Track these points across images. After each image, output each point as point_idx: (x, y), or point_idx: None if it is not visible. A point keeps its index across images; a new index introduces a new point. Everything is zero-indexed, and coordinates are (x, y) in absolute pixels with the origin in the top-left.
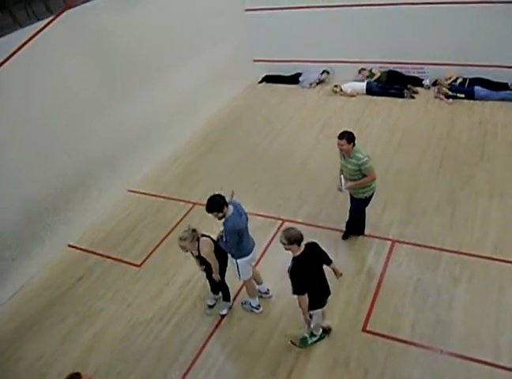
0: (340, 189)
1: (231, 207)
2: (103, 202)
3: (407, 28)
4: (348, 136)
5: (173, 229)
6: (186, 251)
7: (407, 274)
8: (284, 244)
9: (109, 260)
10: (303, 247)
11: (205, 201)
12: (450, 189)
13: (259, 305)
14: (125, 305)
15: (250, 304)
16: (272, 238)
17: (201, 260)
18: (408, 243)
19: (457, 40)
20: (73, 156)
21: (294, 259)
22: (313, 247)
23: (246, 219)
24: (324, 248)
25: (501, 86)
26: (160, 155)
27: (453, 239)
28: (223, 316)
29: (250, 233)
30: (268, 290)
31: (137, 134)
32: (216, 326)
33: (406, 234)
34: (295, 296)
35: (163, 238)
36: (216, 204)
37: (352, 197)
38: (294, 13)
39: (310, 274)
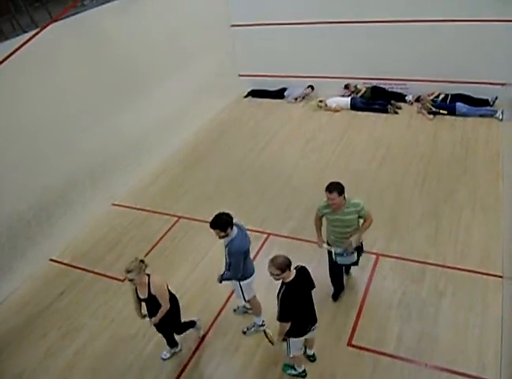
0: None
1: (235, 228)
2: (86, 216)
3: (390, 45)
4: (339, 189)
5: (157, 243)
6: (135, 286)
7: (392, 288)
8: (276, 275)
9: (92, 274)
10: (294, 272)
11: (190, 215)
12: (434, 204)
13: (263, 322)
14: (108, 321)
15: (255, 324)
16: (258, 253)
17: (149, 303)
18: (392, 257)
19: (439, 57)
20: (56, 169)
21: (286, 284)
22: (304, 271)
23: (249, 240)
24: (308, 261)
25: (482, 102)
26: (145, 168)
27: (437, 253)
28: (164, 359)
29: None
30: (263, 322)
31: (123, 147)
32: (200, 342)
33: (391, 248)
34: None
35: (148, 253)
36: (222, 222)
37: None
38: (279, 29)
39: (300, 300)
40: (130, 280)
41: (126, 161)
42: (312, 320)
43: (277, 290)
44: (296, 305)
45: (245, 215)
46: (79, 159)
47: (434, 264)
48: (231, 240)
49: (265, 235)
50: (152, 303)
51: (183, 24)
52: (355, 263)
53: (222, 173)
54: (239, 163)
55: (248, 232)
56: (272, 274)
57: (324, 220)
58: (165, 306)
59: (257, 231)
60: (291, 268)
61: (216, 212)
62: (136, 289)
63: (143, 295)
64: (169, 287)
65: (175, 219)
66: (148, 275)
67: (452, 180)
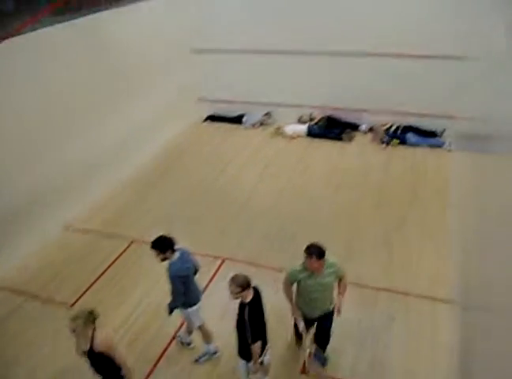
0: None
1: (177, 253)
2: (34, 238)
3: (346, 77)
4: (322, 252)
5: (109, 267)
6: (77, 338)
7: (346, 314)
8: (237, 293)
9: (39, 299)
10: (252, 290)
11: (145, 238)
12: (386, 230)
13: (217, 348)
14: (49, 349)
15: (208, 352)
16: (213, 277)
17: (93, 359)
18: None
19: (392, 90)
20: (3, 191)
21: (248, 304)
22: (258, 291)
23: (196, 269)
24: (264, 286)
25: (431, 134)
26: (99, 190)
27: (388, 278)
28: None
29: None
30: (216, 350)
31: (76, 168)
32: (151, 371)
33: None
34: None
35: (98, 277)
36: (160, 243)
37: (324, 315)
38: (239, 56)
39: (260, 319)
40: (72, 331)
41: (78, 182)
42: (266, 340)
43: (238, 313)
44: (261, 323)
45: (201, 239)
46: (28, 181)
47: (386, 290)
48: (170, 264)
49: (221, 260)
50: (93, 358)
51: (144, 47)
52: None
53: (179, 196)
54: (196, 187)
55: (199, 258)
56: (232, 292)
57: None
58: (120, 360)
59: (213, 256)
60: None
61: (171, 236)
62: (77, 341)
63: (83, 348)
64: (116, 346)
65: (128, 242)
66: (94, 329)
67: (403, 207)
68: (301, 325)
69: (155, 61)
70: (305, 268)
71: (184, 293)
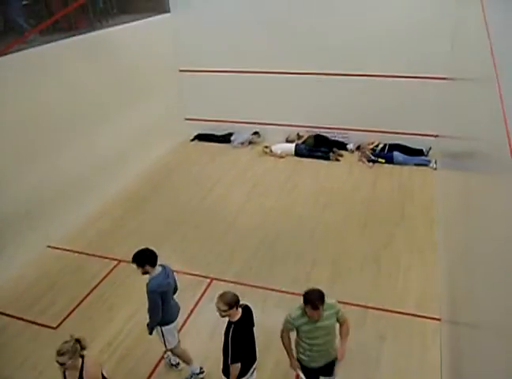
0: None
1: (159, 268)
2: (18, 258)
3: (333, 96)
4: (323, 299)
5: (95, 288)
6: (65, 370)
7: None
8: (223, 311)
9: (21, 322)
10: (240, 310)
11: (131, 259)
12: (374, 248)
13: (202, 369)
14: (36, 373)
15: (193, 372)
16: (201, 298)
17: None
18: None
19: (378, 109)
20: None
21: (234, 324)
22: (248, 310)
23: (176, 286)
24: (252, 306)
25: (417, 152)
26: (84, 209)
27: (377, 297)
28: None
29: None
30: (201, 369)
31: (61, 186)
32: None
33: (333, 293)
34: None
35: (84, 298)
36: (140, 256)
37: (328, 364)
38: (227, 76)
39: (247, 339)
40: (61, 364)
41: (64, 201)
42: (254, 358)
43: (224, 331)
44: (245, 344)
45: (189, 259)
46: (13, 197)
47: (375, 308)
48: (150, 278)
49: (209, 280)
50: None
51: (131, 66)
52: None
53: (166, 216)
54: (183, 207)
55: (187, 278)
56: (219, 309)
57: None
58: None
59: (201, 276)
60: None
61: (158, 256)
62: (64, 372)
63: (75, 377)
64: (103, 372)
65: (115, 262)
66: (83, 357)
67: (391, 225)
68: (296, 368)
69: (143, 80)
70: (303, 312)
71: (161, 309)
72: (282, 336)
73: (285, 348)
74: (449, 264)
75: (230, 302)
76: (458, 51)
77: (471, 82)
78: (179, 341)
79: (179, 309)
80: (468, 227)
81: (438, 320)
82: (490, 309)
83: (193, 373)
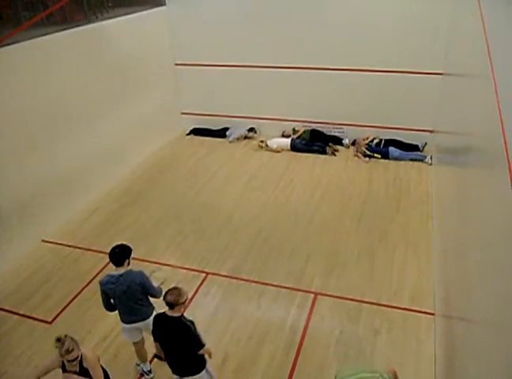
0: None
1: (119, 271)
2: (13, 253)
3: (329, 91)
4: None
5: (90, 282)
6: (65, 363)
7: (330, 326)
8: (182, 303)
9: (16, 316)
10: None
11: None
12: (369, 243)
13: (150, 371)
14: (31, 368)
15: (142, 368)
16: (196, 292)
17: (83, 373)
18: (330, 296)
19: (374, 104)
20: None
21: (183, 317)
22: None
23: (131, 295)
24: (247, 301)
25: (412, 147)
26: (80, 203)
27: (372, 291)
28: None
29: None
30: (150, 370)
31: (56, 180)
32: None
33: (328, 287)
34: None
35: (79, 293)
36: (113, 253)
37: None
38: (223, 71)
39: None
40: (73, 359)
41: (59, 195)
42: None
43: (177, 329)
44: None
45: (184, 253)
46: (7, 191)
47: (370, 303)
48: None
49: (204, 274)
50: (85, 376)
51: (128, 60)
52: None
53: (161, 210)
54: (178, 201)
55: (182, 272)
56: (179, 302)
57: None
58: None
59: (196, 270)
60: None
61: (154, 251)
62: (63, 365)
63: (73, 368)
64: (100, 361)
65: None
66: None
67: (386, 219)
68: None
69: (139, 74)
70: None
71: (109, 305)
72: None
73: None
74: (443, 259)
75: (184, 294)
76: (454, 47)
77: (466, 78)
78: (135, 343)
79: (136, 321)
80: (463, 222)
81: (432, 314)
82: (483, 303)
83: (143, 370)
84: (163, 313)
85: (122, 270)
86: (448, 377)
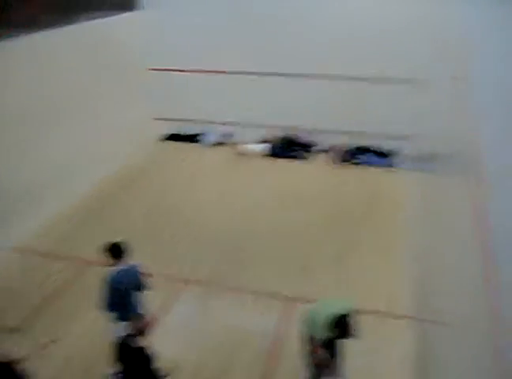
0: None
1: (124, 265)
2: None
3: (304, 98)
4: None
5: (60, 290)
6: None
7: None
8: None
9: None
10: None
11: (93, 261)
12: (341, 248)
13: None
14: None
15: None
16: (171, 300)
17: None
18: (303, 301)
19: (347, 111)
20: None
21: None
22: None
23: (138, 287)
24: (219, 308)
25: (385, 154)
26: (51, 209)
27: (345, 296)
28: None
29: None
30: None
31: (25, 187)
32: None
33: (301, 293)
34: None
35: (48, 301)
36: (108, 247)
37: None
38: (197, 76)
39: None
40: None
41: (29, 200)
42: None
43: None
44: None
45: (157, 261)
46: None
47: None
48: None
49: (176, 282)
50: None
51: (99, 64)
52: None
53: (134, 217)
54: (152, 207)
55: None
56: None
57: None
58: None
59: (172, 277)
60: None
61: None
62: None
63: None
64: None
65: (81, 263)
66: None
67: (358, 225)
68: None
69: (110, 79)
70: None
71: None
72: None
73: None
74: (415, 264)
75: None
76: (428, 54)
77: (439, 85)
78: None
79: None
80: (433, 227)
81: (406, 317)
82: (454, 307)
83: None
84: (128, 336)
85: (125, 264)
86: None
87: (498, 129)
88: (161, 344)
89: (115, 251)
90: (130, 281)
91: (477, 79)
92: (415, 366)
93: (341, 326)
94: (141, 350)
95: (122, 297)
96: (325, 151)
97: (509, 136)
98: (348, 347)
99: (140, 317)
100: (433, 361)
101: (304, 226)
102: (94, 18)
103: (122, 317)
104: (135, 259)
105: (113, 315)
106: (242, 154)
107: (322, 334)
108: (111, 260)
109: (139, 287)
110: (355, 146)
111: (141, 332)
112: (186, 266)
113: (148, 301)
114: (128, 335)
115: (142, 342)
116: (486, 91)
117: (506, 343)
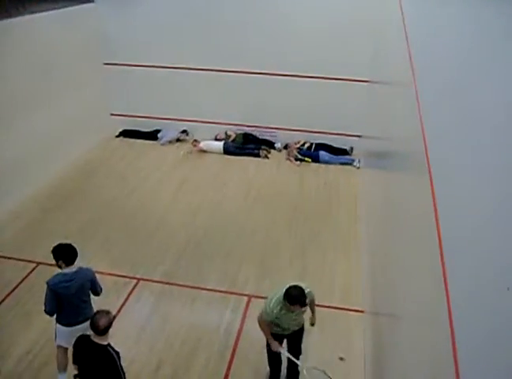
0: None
1: (71, 269)
2: None
3: (262, 95)
4: (303, 300)
5: (10, 293)
6: None
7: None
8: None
9: None
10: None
11: (51, 261)
12: (301, 244)
13: None
14: None
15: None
16: (126, 299)
17: None
18: (263, 298)
19: (304, 109)
20: None
21: (110, 346)
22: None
23: (83, 293)
24: (180, 306)
25: (341, 151)
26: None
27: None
28: None
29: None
30: None
31: None
32: None
33: (262, 289)
34: None
35: (0, 303)
36: (56, 249)
37: (295, 331)
38: (154, 71)
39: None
40: None
41: None
42: None
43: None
44: None
45: (113, 260)
46: None
47: None
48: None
49: (135, 281)
50: None
51: (54, 57)
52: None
53: (89, 216)
54: (107, 206)
55: (112, 279)
56: (105, 327)
57: None
58: None
59: (126, 277)
60: None
61: (80, 257)
62: None
63: None
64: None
65: (33, 265)
66: None
67: (317, 222)
68: (274, 345)
69: (64, 73)
70: (282, 307)
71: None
72: (263, 327)
73: (267, 334)
74: (370, 259)
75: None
76: (380, 54)
77: (390, 85)
78: (66, 349)
79: (82, 322)
80: (388, 223)
81: (361, 312)
82: (408, 300)
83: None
84: (89, 337)
85: (73, 268)
86: (377, 373)
87: (447, 126)
88: (118, 346)
89: (63, 254)
90: (79, 285)
91: (424, 80)
92: (370, 360)
93: (289, 296)
94: (101, 350)
95: (67, 304)
96: (285, 148)
97: (456, 131)
98: (307, 342)
99: (92, 319)
100: (387, 355)
101: (264, 223)
102: (51, 9)
103: (69, 323)
104: (87, 259)
105: (59, 319)
106: (201, 151)
107: (273, 313)
108: (60, 263)
109: (89, 290)
110: (312, 144)
111: (99, 332)
112: (141, 265)
113: (103, 303)
114: (82, 337)
115: (102, 342)
116: (435, 90)
117: (461, 332)
